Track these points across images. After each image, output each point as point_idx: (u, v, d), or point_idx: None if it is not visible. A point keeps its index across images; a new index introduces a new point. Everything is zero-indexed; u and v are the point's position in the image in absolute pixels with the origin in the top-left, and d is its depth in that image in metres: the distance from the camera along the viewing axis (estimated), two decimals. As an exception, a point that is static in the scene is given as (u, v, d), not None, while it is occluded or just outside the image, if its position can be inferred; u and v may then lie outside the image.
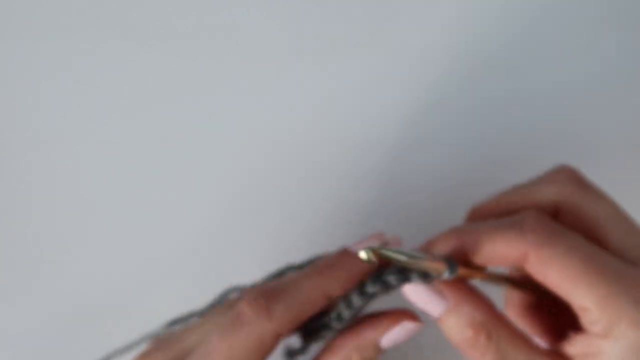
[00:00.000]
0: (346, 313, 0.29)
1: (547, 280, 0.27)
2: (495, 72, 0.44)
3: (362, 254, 0.25)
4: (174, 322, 0.32)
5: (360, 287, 0.28)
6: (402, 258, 0.26)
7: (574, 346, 0.27)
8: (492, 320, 0.28)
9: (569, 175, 0.29)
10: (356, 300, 0.28)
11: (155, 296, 0.41)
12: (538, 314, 0.32)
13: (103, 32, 0.43)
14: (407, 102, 0.43)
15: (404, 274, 0.27)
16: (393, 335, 0.29)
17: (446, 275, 0.27)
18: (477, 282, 0.29)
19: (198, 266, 0.41)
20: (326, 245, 0.33)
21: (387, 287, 0.28)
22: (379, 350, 0.29)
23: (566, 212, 0.29)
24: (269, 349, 0.27)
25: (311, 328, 0.30)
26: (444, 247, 0.28)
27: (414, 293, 0.28)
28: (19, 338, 0.41)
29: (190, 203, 0.42)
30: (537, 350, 0.28)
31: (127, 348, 0.32)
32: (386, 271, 0.28)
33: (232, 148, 0.43)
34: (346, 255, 0.29)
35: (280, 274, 0.32)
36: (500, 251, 0.27)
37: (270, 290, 0.28)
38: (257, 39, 0.43)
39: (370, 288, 0.28)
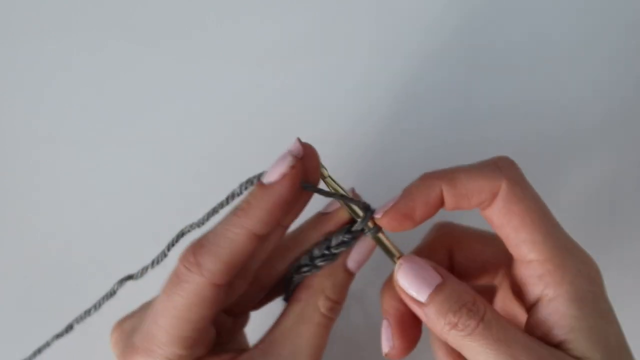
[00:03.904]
0: (296, 278, 0.31)
1: (508, 218, 0.28)
2: (496, 75, 0.44)
3: (304, 186, 0.28)
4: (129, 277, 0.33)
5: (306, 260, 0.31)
6: (325, 173, 0.29)
7: (536, 322, 0.28)
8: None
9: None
10: (304, 268, 0.31)
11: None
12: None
13: (103, 32, 0.44)
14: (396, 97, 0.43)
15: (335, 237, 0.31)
16: (357, 252, 0.31)
17: (361, 223, 0.30)
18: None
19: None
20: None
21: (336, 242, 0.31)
22: (347, 271, 0.31)
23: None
24: (212, 299, 0.28)
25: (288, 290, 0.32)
26: (423, 187, 0.29)
27: (411, 269, 0.29)
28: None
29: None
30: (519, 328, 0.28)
31: (89, 311, 0.33)
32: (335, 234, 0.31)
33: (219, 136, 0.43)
34: (260, 189, 0.28)
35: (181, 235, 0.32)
36: (478, 183, 0.28)
37: (197, 244, 0.28)
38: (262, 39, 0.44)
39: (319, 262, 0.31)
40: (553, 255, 0.27)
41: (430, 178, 0.29)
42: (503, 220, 0.28)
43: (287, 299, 0.32)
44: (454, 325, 0.27)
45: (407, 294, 0.28)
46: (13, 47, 0.44)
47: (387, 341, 0.31)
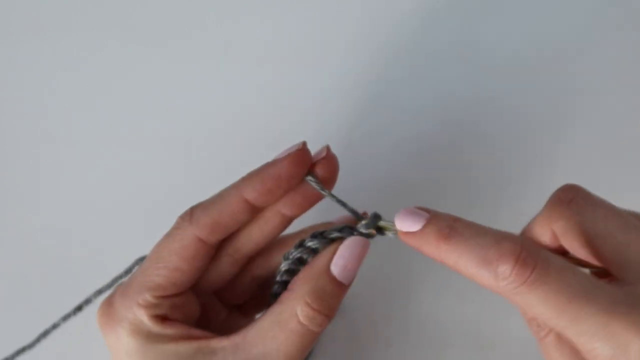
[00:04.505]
0: (283, 265, 0.30)
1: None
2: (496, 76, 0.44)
3: (307, 179, 0.30)
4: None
5: (296, 244, 0.30)
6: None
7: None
8: None
9: (565, 199, 0.28)
10: (292, 252, 0.30)
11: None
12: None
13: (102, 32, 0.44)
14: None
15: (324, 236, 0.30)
16: (340, 257, 0.29)
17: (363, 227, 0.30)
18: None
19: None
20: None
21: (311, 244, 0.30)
22: (332, 279, 0.29)
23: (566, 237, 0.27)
24: (191, 250, 0.29)
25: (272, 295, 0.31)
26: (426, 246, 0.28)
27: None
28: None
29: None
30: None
31: (101, 290, 0.34)
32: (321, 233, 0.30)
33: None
34: (264, 164, 0.30)
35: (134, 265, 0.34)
36: (476, 281, 0.26)
37: (197, 204, 0.30)
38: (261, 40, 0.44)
39: (309, 242, 0.30)
40: (579, 345, 0.25)
41: (432, 244, 0.27)
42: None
43: (273, 296, 0.31)
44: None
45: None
46: (13, 47, 0.44)
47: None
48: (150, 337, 0.29)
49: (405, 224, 0.28)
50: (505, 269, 0.25)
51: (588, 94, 0.44)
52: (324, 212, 0.33)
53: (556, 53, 0.44)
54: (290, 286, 0.30)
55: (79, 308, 0.33)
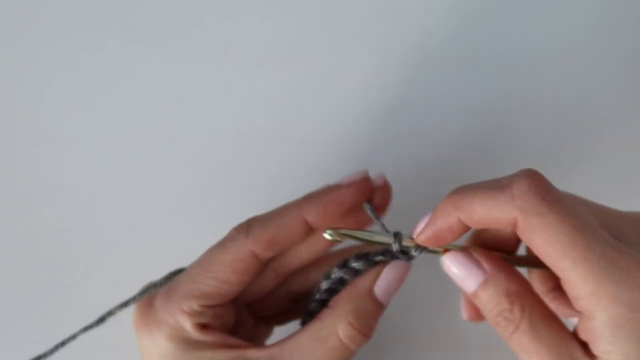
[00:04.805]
0: (324, 284, 0.30)
1: (533, 248, 0.26)
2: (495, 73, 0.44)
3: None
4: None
5: (339, 264, 0.30)
6: (358, 235, 0.29)
7: (580, 331, 0.27)
8: (526, 293, 0.27)
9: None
10: (335, 271, 0.30)
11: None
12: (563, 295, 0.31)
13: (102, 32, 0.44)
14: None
15: (367, 257, 0.30)
16: (384, 279, 0.30)
17: (396, 247, 0.29)
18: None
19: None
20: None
21: (353, 267, 0.30)
22: (374, 300, 0.30)
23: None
24: (243, 264, 0.29)
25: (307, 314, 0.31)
26: (443, 216, 0.27)
27: (453, 265, 0.28)
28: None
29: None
30: (566, 332, 0.27)
31: (133, 299, 0.33)
32: (356, 255, 0.30)
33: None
34: (327, 187, 0.31)
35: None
36: (492, 215, 0.26)
37: (256, 217, 0.30)
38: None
39: (353, 262, 0.30)
40: (585, 282, 0.25)
41: (447, 207, 0.27)
42: (530, 246, 0.27)
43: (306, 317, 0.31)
44: (496, 325, 0.27)
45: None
46: (13, 47, 0.44)
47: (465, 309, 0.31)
48: (189, 344, 0.29)
49: (420, 226, 0.29)
50: (522, 186, 0.25)
51: (591, 94, 0.44)
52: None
53: (561, 53, 0.45)
54: (331, 304, 0.30)
55: (101, 319, 0.32)
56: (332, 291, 0.30)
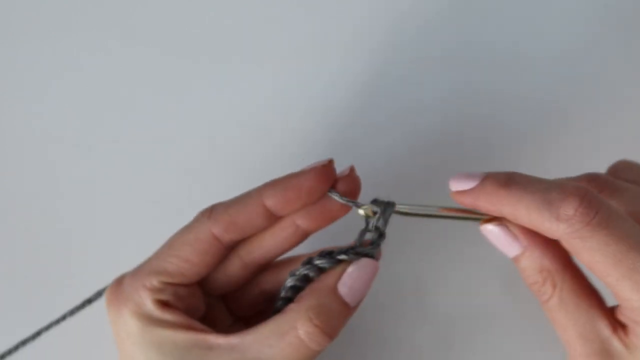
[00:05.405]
0: (289, 281, 0.30)
1: (579, 260, 0.26)
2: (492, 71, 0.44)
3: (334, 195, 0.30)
4: None
5: (304, 261, 0.30)
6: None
7: (623, 315, 0.26)
8: (560, 270, 0.27)
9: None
10: (299, 269, 0.30)
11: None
12: None
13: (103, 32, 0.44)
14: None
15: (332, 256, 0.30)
16: (348, 277, 0.29)
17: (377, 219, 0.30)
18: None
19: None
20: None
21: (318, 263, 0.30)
22: (339, 298, 0.29)
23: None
24: (205, 244, 0.30)
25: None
26: (489, 200, 0.27)
27: (492, 235, 0.29)
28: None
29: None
30: (597, 310, 0.27)
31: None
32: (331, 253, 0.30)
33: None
34: (288, 175, 0.31)
35: None
36: (535, 226, 0.26)
37: (221, 202, 0.31)
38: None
39: (317, 260, 0.30)
40: (630, 299, 0.25)
41: (494, 196, 0.27)
42: (576, 257, 0.27)
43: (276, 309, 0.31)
44: (531, 289, 0.28)
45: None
46: (13, 47, 0.44)
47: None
48: (151, 320, 0.29)
49: (461, 184, 0.28)
50: (568, 209, 0.25)
51: (592, 93, 0.44)
52: (341, 235, 0.33)
53: (561, 52, 0.45)
54: (295, 300, 0.29)
55: (88, 301, 0.34)
56: (297, 289, 0.30)
